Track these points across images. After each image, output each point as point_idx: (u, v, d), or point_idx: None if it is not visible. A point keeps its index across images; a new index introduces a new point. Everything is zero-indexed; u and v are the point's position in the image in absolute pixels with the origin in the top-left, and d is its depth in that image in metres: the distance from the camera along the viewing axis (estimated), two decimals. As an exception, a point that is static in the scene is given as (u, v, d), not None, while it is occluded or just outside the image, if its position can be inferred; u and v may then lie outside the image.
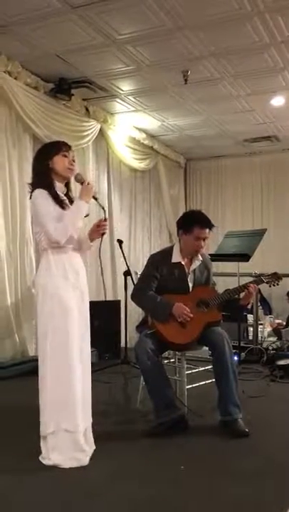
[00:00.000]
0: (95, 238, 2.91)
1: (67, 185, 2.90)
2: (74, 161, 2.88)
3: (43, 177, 2.79)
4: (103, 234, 2.88)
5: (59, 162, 2.80)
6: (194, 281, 3.44)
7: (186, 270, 3.42)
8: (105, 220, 2.88)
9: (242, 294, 3.48)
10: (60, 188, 2.83)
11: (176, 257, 3.41)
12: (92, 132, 6.19)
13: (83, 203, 2.75)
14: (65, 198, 2.84)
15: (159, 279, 3.38)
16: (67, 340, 2.67)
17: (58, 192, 2.78)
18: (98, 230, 2.88)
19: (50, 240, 2.70)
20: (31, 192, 2.79)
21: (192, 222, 3.36)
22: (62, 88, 5.41)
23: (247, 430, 3.09)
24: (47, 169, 2.80)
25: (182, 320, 3.24)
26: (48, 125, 5.39)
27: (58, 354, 2.66)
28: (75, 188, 2.96)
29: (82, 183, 2.82)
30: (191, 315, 3.24)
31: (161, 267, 3.39)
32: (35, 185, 2.80)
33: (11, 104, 4.98)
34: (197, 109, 6.41)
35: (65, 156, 2.82)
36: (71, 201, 2.86)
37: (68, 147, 2.87)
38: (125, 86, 5.71)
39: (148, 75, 5.37)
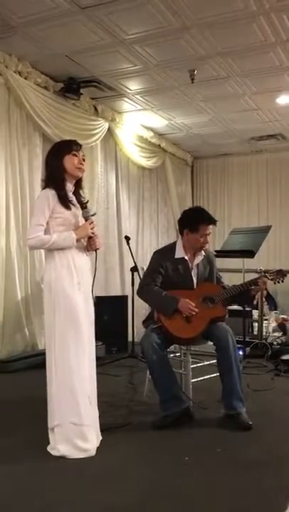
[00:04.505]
0: (90, 251, 2.97)
1: (77, 184, 2.97)
2: (84, 160, 2.94)
3: (54, 176, 2.87)
4: (96, 249, 2.95)
5: (69, 161, 2.86)
6: (198, 276, 3.50)
7: (190, 265, 3.48)
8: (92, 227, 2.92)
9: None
10: (68, 187, 2.90)
11: (180, 253, 3.48)
12: (100, 131, 6.28)
13: (74, 236, 2.81)
14: (72, 196, 2.92)
15: (164, 275, 3.44)
16: (74, 336, 2.74)
17: (67, 192, 2.86)
18: (91, 245, 2.94)
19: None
20: (42, 189, 2.90)
21: (197, 221, 3.42)
22: (71, 87, 5.49)
23: (250, 423, 3.15)
24: (58, 168, 2.87)
25: (188, 314, 3.31)
26: (57, 124, 5.48)
27: (64, 349, 2.73)
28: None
29: (86, 219, 2.90)
30: (197, 310, 3.31)
31: (165, 262, 3.45)
32: (46, 183, 2.88)
33: (22, 103, 5.07)
34: (204, 107, 6.46)
35: (75, 156, 2.88)
36: (79, 201, 2.94)
37: (79, 146, 2.93)
38: (133, 85, 5.77)
39: (155, 75, 5.44)
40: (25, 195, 5.18)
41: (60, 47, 4.83)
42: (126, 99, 6.19)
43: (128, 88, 5.85)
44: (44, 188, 2.88)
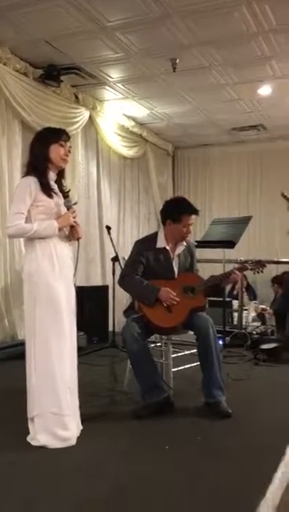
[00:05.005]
0: (72, 240, 2.94)
1: (60, 173, 2.93)
2: (70, 151, 2.90)
3: (38, 163, 2.81)
4: (78, 238, 2.93)
5: (55, 151, 2.81)
6: (179, 266, 3.52)
7: (171, 255, 3.49)
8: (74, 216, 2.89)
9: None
10: (51, 176, 2.86)
11: (161, 243, 3.49)
12: (81, 119, 6.21)
13: (56, 225, 2.77)
14: (55, 185, 2.88)
15: (145, 265, 3.44)
16: (55, 326, 2.72)
17: (49, 180, 2.82)
18: (73, 234, 2.91)
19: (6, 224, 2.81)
20: (23, 176, 2.84)
21: (179, 211, 3.43)
22: (51, 74, 5.40)
23: (230, 411, 3.19)
24: (43, 156, 2.81)
25: (168, 304, 3.32)
26: (37, 111, 5.40)
27: (45, 339, 2.71)
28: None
29: (68, 209, 2.87)
30: (178, 299, 3.32)
31: (146, 252, 3.46)
32: (27, 170, 2.83)
33: (0, 89, 4.97)
34: (185, 97, 6.43)
35: (62, 146, 2.83)
36: (61, 190, 2.90)
37: (68, 137, 2.88)
38: (114, 73, 5.71)
39: (137, 63, 5.38)
40: (4, 184, 5.09)
41: (40, 32, 4.73)
42: (107, 87, 6.12)
43: (109, 76, 5.78)
44: (25, 175, 2.82)
